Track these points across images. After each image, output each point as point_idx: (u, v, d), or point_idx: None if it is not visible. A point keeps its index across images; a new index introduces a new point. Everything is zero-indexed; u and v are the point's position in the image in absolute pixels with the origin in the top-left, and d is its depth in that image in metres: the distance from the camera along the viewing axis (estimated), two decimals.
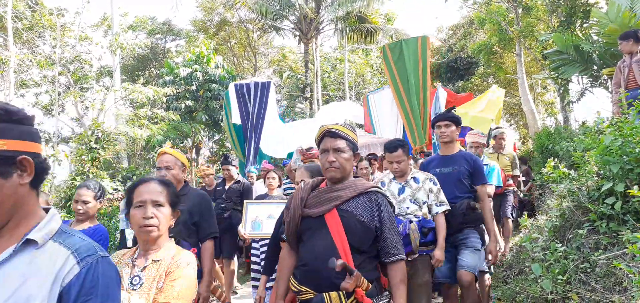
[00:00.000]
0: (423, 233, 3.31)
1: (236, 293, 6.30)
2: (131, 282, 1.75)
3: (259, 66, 27.44)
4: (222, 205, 5.77)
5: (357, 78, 26.39)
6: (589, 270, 2.95)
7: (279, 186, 5.64)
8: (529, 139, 16.19)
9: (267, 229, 4.61)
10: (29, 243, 1.10)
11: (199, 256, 3.01)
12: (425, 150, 7.76)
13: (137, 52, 24.11)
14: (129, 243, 3.73)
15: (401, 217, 3.35)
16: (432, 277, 3.51)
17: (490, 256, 3.58)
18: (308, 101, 20.88)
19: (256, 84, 8.70)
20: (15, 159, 1.09)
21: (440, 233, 3.38)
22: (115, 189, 9.17)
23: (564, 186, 3.87)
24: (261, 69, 28.04)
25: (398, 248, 2.14)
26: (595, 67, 8.72)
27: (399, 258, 2.13)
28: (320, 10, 20.88)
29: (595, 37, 8.70)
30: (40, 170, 1.16)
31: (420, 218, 3.34)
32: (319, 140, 2.26)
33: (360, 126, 11.99)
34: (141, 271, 1.79)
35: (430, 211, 3.44)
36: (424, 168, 3.88)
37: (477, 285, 3.65)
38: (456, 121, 3.72)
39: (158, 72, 21.20)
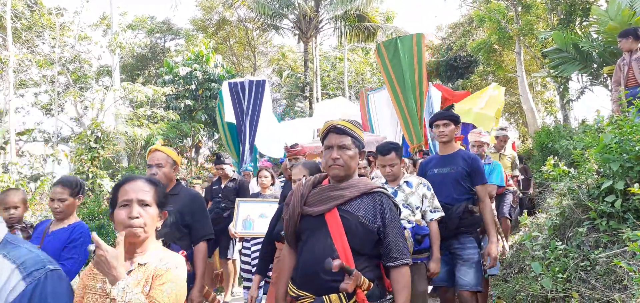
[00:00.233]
0: (417, 241, 3.19)
1: (233, 294, 6.23)
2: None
3: (259, 64, 27.42)
4: (222, 205, 5.69)
5: (357, 77, 26.39)
6: (589, 268, 2.95)
7: (272, 184, 5.65)
8: (528, 138, 16.20)
9: (259, 228, 4.60)
10: None
11: (191, 259, 2.92)
12: (423, 149, 7.73)
13: (137, 51, 24.09)
14: None
15: None
16: (429, 281, 3.41)
17: (489, 260, 3.38)
18: (307, 99, 20.87)
19: (251, 82, 8.57)
20: None
21: (435, 243, 3.26)
22: None
23: (563, 185, 3.86)
24: (261, 68, 28.02)
25: (403, 252, 2.02)
26: (595, 65, 8.73)
27: (403, 262, 2.01)
28: (319, 9, 20.87)
29: (595, 35, 8.70)
30: None
31: (414, 225, 3.23)
32: (324, 136, 2.14)
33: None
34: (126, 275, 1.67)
35: (424, 218, 3.32)
36: (422, 168, 3.75)
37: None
38: (455, 120, 3.56)
39: (157, 71, 21.19)
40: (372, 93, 10.06)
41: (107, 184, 8.99)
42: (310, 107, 20.19)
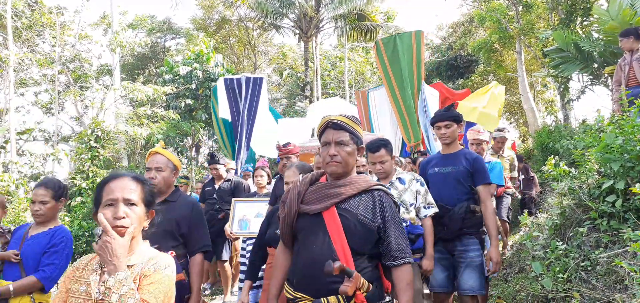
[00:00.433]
0: (410, 240, 3.08)
1: (233, 294, 6.11)
2: (100, 291, 1.55)
3: (259, 64, 27.41)
4: (217, 207, 5.52)
5: (357, 76, 26.39)
6: (589, 268, 2.95)
7: (269, 183, 5.54)
8: (529, 137, 16.19)
9: (255, 228, 4.53)
10: None
11: (186, 268, 2.78)
12: (421, 148, 7.69)
13: (137, 50, 24.09)
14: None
15: None
16: (428, 285, 3.33)
17: (491, 264, 3.22)
18: (308, 99, 20.86)
19: (247, 78, 8.24)
20: None
21: (428, 239, 3.17)
22: None
23: (564, 184, 3.85)
24: (261, 67, 28.01)
25: (404, 251, 1.96)
26: (596, 65, 8.72)
27: (404, 261, 1.94)
28: (320, 8, 20.86)
29: (596, 35, 8.69)
30: None
31: (408, 224, 3.15)
32: (321, 131, 2.08)
33: None
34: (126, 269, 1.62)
35: (417, 214, 3.22)
36: (423, 167, 3.64)
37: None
38: (456, 119, 3.43)
39: (158, 70, 21.18)
40: (372, 91, 9.93)
41: None
42: None
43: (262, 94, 8.31)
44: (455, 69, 22.44)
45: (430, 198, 3.24)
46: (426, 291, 3.71)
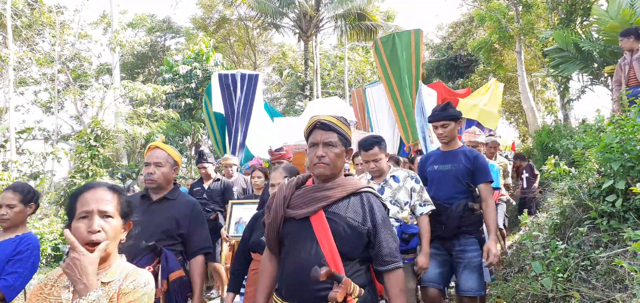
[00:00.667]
0: (404, 240, 3.02)
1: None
2: None
3: (259, 63, 27.42)
4: (207, 208, 5.25)
5: (357, 76, 26.38)
6: (589, 268, 2.95)
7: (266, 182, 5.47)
8: (529, 137, 16.19)
9: None
10: None
11: (183, 265, 2.68)
12: (419, 147, 7.67)
13: (137, 49, 24.09)
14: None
15: None
16: (418, 282, 3.23)
17: (488, 257, 3.10)
18: (307, 98, 20.86)
19: (243, 75, 8.02)
20: None
21: (425, 236, 3.08)
22: None
23: (564, 184, 3.85)
24: (261, 66, 28.01)
25: (395, 255, 1.91)
26: (596, 65, 8.72)
27: (396, 265, 1.90)
28: (320, 8, 20.86)
29: (596, 35, 8.69)
30: None
31: (401, 224, 3.07)
32: (309, 132, 2.00)
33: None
34: (99, 286, 1.52)
35: (413, 212, 3.13)
36: (422, 164, 3.57)
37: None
38: (454, 118, 3.34)
39: (157, 69, 21.18)
40: (370, 87, 9.81)
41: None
42: None
43: (257, 92, 8.12)
44: (455, 68, 22.45)
45: (426, 195, 3.17)
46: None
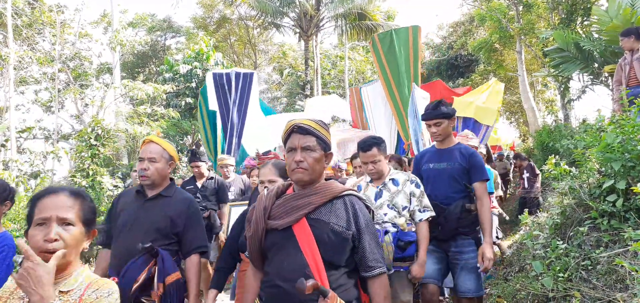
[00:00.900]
0: (400, 247, 2.86)
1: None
2: None
3: (259, 62, 27.43)
4: (202, 206, 5.10)
5: (357, 75, 26.39)
6: (590, 267, 2.95)
7: None
8: (529, 137, 16.20)
9: None
10: None
11: (179, 265, 2.58)
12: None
13: (137, 49, 24.10)
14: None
15: (377, 226, 2.81)
16: (414, 288, 3.08)
17: (483, 260, 3.07)
18: (308, 98, 20.88)
19: (238, 74, 7.86)
20: None
21: (422, 244, 2.93)
22: (115, 186, 9.16)
23: (565, 184, 3.85)
24: (261, 66, 28.02)
25: (379, 259, 1.85)
26: (596, 65, 8.72)
27: (380, 271, 1.83)
28: (320, 7, 20.87)
29: (596, 35, 8.69)
30: None
31: (398, 230, 2.92)
32: (286, 137, 1.94)
33: (344, 121, 11.79)
34: (56, 298, 1.43)
35: (412, 218, 2.99)
36: (417, 162, 3.47)
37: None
38: (447, 116, 3.25)
39: (158, 69, 21.19)
40: (365, 87, 9.65)
41: (108, 182, 9.00)
42: None
43: (252, 90, 7.95)
44: (455, 68, 22.46)
45: (426, 201, 3.02)
46: None
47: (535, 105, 16.16)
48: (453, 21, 25.69)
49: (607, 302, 2.58)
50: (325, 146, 1.91)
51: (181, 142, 17.71)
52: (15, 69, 13.31)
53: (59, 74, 15.59)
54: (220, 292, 2.79)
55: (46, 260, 1.35)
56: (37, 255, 1.33)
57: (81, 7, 17.20)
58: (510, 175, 11.31)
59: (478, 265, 3.14)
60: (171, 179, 2.75)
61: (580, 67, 8.88)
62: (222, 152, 7.84)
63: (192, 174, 5.53)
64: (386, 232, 2.83)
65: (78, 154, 9.39)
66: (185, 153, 17.98)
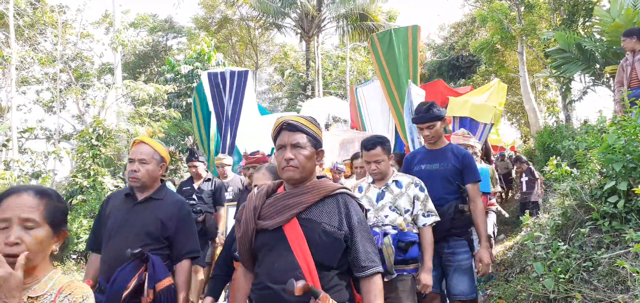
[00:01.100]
0: (401, 249, 2.75)
1: None
2: None
3: (260, 63, 27.45)
4: (197, 208, 4.99)
5: (359, 76, 26.39)
6: (591, 269, 2.94)
7: None
8: (530, 138, 16.18)
9: None
10: None
11: (170, 270, 2.49)
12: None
13: (139, 49, 24.15)
14: None
15: (376, 228, 2.80)
16: (419, 297, 2.95)
17: (481, 265, 3.07)
18: (309, 98, 20.89)
19: (232, 73, 7.69)
20: None
21: (428, 250, 2.82)
22: (116, 186, 9.18)
23: (566, 185, 3.84)
24: (262, 66, 28.04)
25: (373, 259, 1.79)
26: (598, 66, 8.70)
27: (373, 271, 1.77)
28: (322, 8, 20.88)
29: (598, 36, 8.67)
30: None
31: (397, 231, 2.80)
32: (276, 134, 1.89)
33: (344, 121, 11.74)
34: None
35: (416, 223, 2.89)
36: (407, 163, 3.37)
37: None
38: (439, 118, 3.19)
39: (159, 69, 21.21)
40: (361, 87, 9.56)
41: (109, 182, 9.02)
42: None
43: (247, 89, 7.81)
44: (457, 69, 22.45)
45: (430, 205, 2.92)
46: None
47: (537, 106, 16.15)
48: (454, 22, 25.70)
49: None
50: (316, 143, 1.86)
51: (182, 142, 17.72)
52: (17, 69, 13.34)
53: (61, 75, 15.61)
54: (216, 300, 2.73)
55: (10, 264, 1.27)
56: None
57: (83, 8, 17.19)
58: (513, 175, 11.29)
59: (476, 269, 3.11)
60: (162, 181, 2.67)
61: (582, 68, 8.86)
62: (216, 151, 7.78)
63: (190, 175, 5.43)
64: (385, 234, 2.74)
65: (79, 155, 9.41)
66: (185, 152, 18.01)
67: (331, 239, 1.74)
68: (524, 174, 8.13)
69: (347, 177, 5.95)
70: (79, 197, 8.65)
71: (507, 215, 7.24)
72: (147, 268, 2.32)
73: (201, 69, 17.01)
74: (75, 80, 17.01)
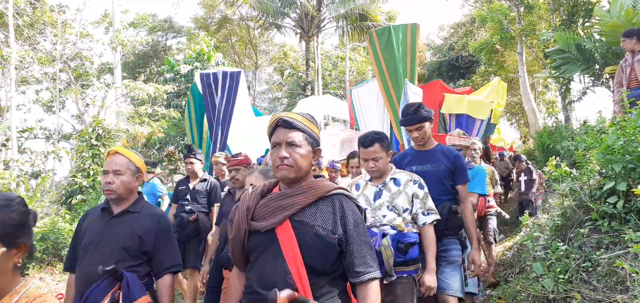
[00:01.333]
0: (400, 250, 2.67)
1: None
2: None
3: (260, 63, 27.45)
4: (188, 208, 4.87)
5: (358, 76, 26.39)
6: (590, 269, 2.94)
7: None
8: (530, 138, 16.19)
9: None
10: None
11: (150, 288, 2.38)
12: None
13: (138, 49, 24.14)
14: None
15: (375, 229, 2.74)
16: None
17: (472, 267, 3.07)
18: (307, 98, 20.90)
19: (225, 73, 7.60)
20: None
21: (430, 250, 2.75)
22: None
23: (565, 185, 3.85)
24: (262, 66, 28.04)
25: (369, 264, 1.69)
26: (597, 66, 8.70)
27: (370, 277, 1.67)
28: (321, 8, 20.88)
29: (597, 36, 8.67)
30: None
31: (396, 231, 2.73)
32: (271, 131, 1.81)
33: (344, 122, 11.68)
34: None
35: (415, 222, 2.81)
36: (396, 164, 3.24)
37: None
38: (428, 119, 3.14)
39: (159, 69, 21.21)
40: (356, 88, 9.42)
41: None
42: None
43: (239, 89, 7.71)
44: (456, 69, 22.46)
45: (430, 203, 2.84)
46: None
47: (536, 106, 16.16)
48: (454, 22, 25.72)
49: None
50: (313, 141, 1.79)
51: (182, 142, 17.72)
52: (16, 68, 13.33)
53: (60, 74, 15.61)
54: None
55: None
56: None
57: (82, 7, 17.18)
58: (513, 175, 11.30)
59: (467, 272, 3.09)
60: (139, 193, 2.57)
61: (581, 68, 8.86)
62: (208, 151, 7.70)
63: (187, 174, 5.34)
64: (384, 235, 2.66)
65: (79, 154, 9.41)
66: (185, 151, 17.98)
67: (324, 243, 1.66)
68: (522, 174, 8.12)
69: (343, 176, 5.93)
70: (79, 197, 8.65)
71: (507, 216, 7.21)
72: (121, 286, 2.21)
73: (201, 69, 17.01)
74: (74, 80, 16.99)
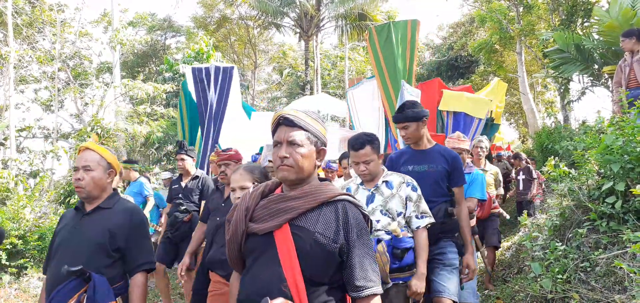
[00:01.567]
0: (396, 256, 2.61)
1: None
2: None
3: (259, 62, 27.43)
4: (182, 207, 4.77)
5: (358, 76, 26.38)
6: (588, 269, 2.95)
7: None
8: (529, 138, 16.20)
9: None
10: None
11: (123, 292, 2.29)
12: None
13: (137, 48, 24.09)
14: None
15: None
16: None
17: (467, 271, 3.02)
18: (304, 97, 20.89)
19: (217, 68, 7.44)
20: None
21: (422, 255, 2.67)
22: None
23: (564, 185, 3.85)
24: (261, 66, 28.02)
25: (371, 278, 1.59)
26: (596, 66, 8.71)
27: (370, 292, 1.58)
28: (320, 8, 20.87)
29: (596, 36, 8.68)
30: None
31: (391, 237, 2.66)
32: (273, 129, 1.72)
33: (342, 121, 11.65)
34: None
35: (409, 225, 2.74)
36: (393, 162, 3.21)
37: None
38: (415, 119, 3.03)
39: (158, 68, 21.19)
40: (351, 89, 9.30)
41: None
42: None
43: (232, 86, 7.54)
44: (455, 69, 22.46)
45: (424, 206, 2.76)
46: None
47: (535, 106, 16.17)
48: (453, 22, 25.71)
49: None
50: (317, 140, 1.68)
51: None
52: (15, 67, 13.31)
53: (59, 73, 15.58)
54: None
55: None
56: None
57: (81, 6, 17.14)
58: (513, 175, 11.32)
59: (462, 275, 3.05)
60: (114, 189, 2.48)
61: (580, 68, 8.87)
62: (201, 148, 7.59)
63: (180, 173, 5.23)
64: (379, 241, 2.60)
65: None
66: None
67: (324, 252, 1.56)
68: (521, 173, 8.10)
69: (339, 176, 5.88)
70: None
71: (508, 217, 7.20)
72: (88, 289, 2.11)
73: None
74: (73, 79, 16.98)
